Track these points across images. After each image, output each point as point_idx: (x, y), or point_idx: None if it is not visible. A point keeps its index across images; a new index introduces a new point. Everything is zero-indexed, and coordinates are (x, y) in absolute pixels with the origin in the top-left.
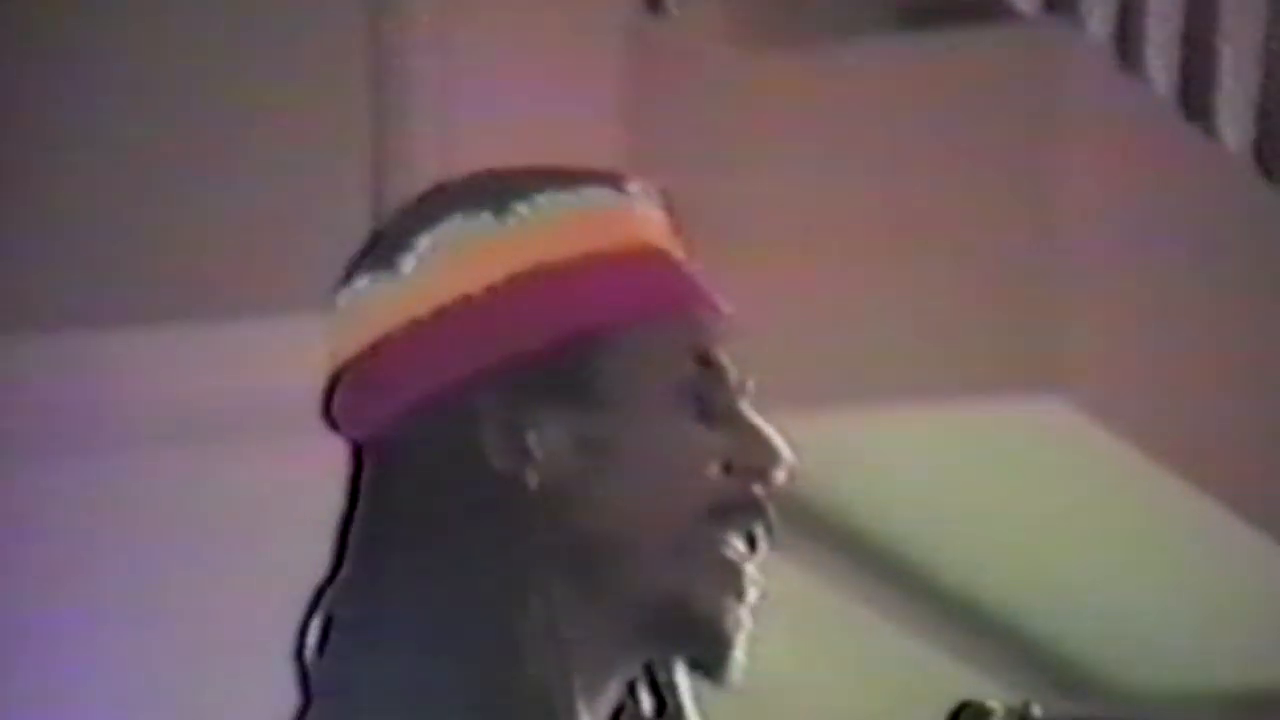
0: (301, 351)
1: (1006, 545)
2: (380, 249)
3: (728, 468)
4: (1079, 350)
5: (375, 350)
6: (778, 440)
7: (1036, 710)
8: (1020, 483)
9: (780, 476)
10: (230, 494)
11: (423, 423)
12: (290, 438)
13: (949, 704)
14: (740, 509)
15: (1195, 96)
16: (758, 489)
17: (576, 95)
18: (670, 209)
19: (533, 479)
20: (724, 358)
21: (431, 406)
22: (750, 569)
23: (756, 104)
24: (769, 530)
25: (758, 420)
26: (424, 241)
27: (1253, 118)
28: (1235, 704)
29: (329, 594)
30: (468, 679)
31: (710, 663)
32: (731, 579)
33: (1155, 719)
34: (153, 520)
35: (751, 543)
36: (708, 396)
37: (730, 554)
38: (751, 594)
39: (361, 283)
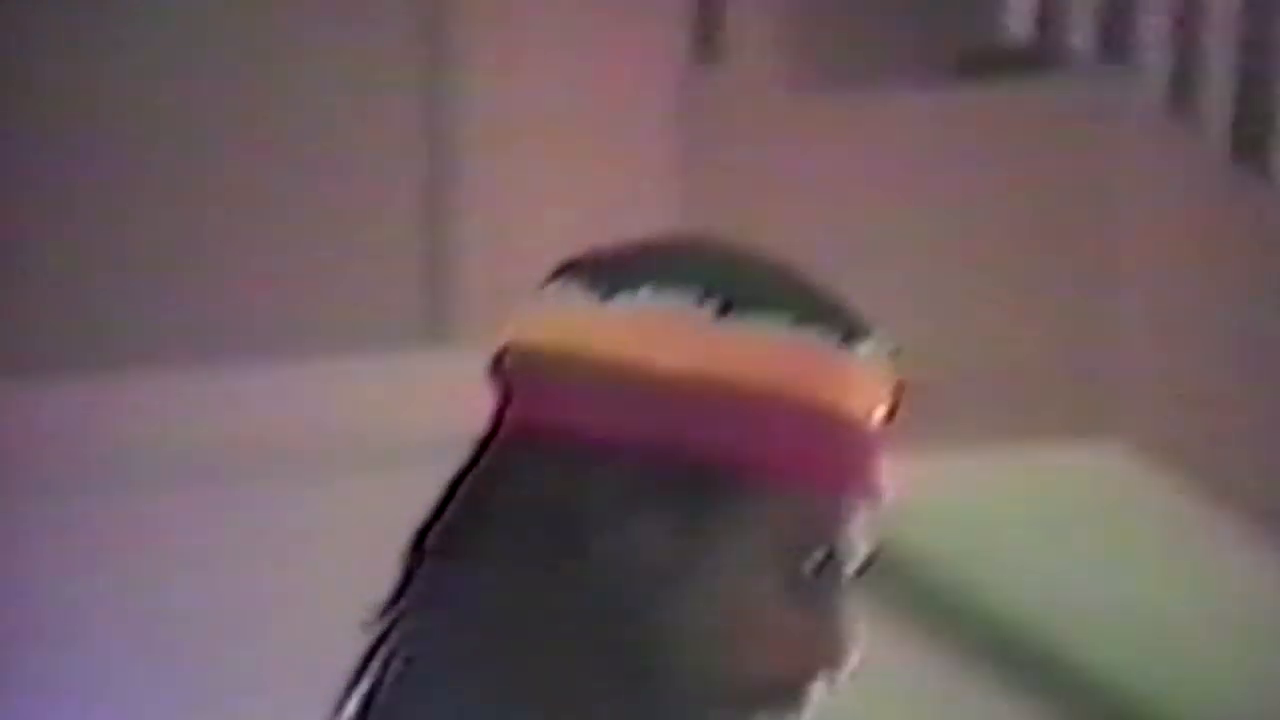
0: (341, 393)
1: (1066, 591)
2: (602, 271)
3: (797, 654)
4: (1139, 398)
5: (563, 357)
6: (854, 639)
7: None
8: (1080, 530)
9: (842, 679)
10: (270, 531)
11: (557, 459)
12: (323, 479)
13: None
14: (784, 699)
15: (1250, 139)
16: (812, 683)
17: (631, 141)
18: (892, 378)
19: (616, 560)
20: (849, 548)
21: (575, 446)
22: None
23: (812, 149)
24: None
25: (849, 614)
26: (645, 294)
27: None
28: None
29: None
30: None
31: None
32: None
33: None
34: (189, 556)
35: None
36: (809, 584)
37: None
38: None
39: (574, 287)
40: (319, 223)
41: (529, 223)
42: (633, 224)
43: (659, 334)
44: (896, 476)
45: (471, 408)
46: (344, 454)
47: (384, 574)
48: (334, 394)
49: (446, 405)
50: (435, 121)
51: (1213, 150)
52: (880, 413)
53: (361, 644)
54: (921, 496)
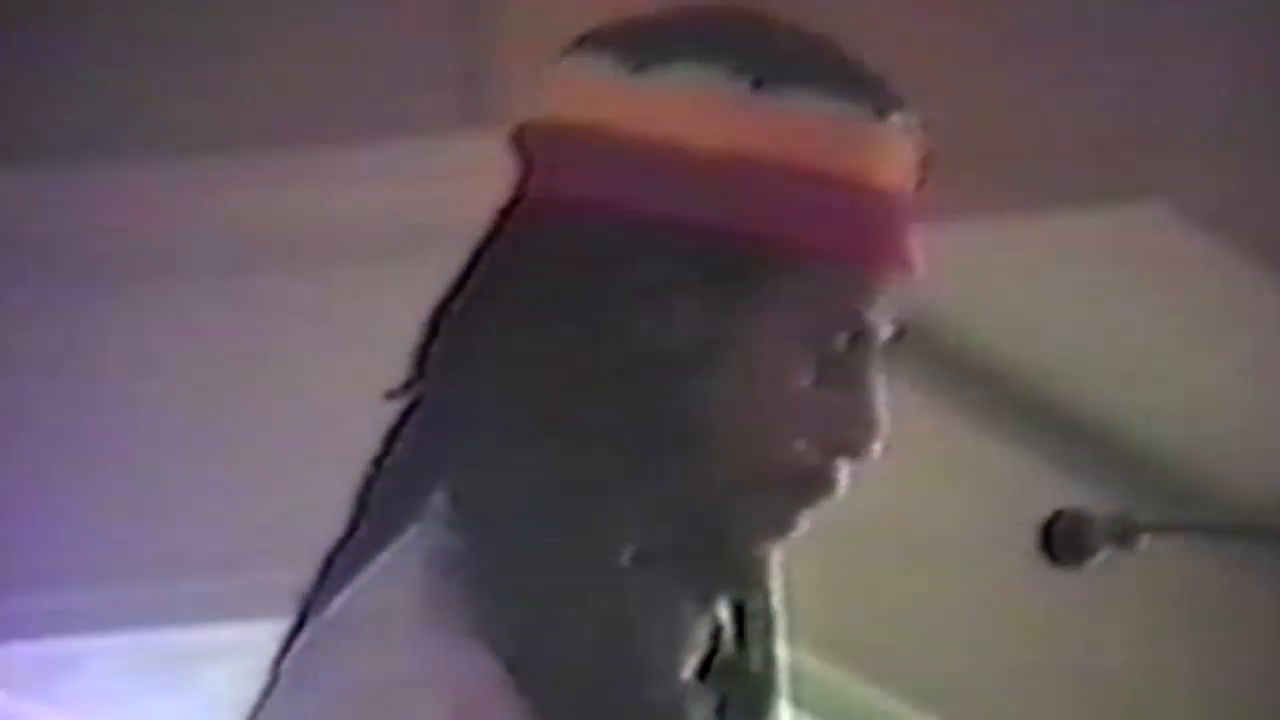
0: (378, 177)
1: (1108, 353)
2: (634, 42)
3: (826, 433)
4: (1177, 157)
5: (589, 130)
6: (882, 417)
7: (1137, 517)
8: (1122, 291)
9: (873, 454)
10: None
11: (586, 230)
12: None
13: (1048, 512)
14: (814, 482)
15: None
16: (839, 467)
17: None
18: (923, 148)
19: (655, 341)
20: (881, 319)
21: (606, 219)
22: (797, 525)
23: None
24: (831, 500)
25: (877, 391)
26: (678, 67)
27: None
28: None
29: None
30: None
31: (735, 593)
32: (775, 533)
33: (1261, 524)
34: (221, 343)
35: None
36: (840, 360)
37: (785, 513)
38: (794, 536)
39: (604, 59)
40: (353, 6)
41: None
42: None
43: (692, 110)
44: (930, 247)
45: (508, 190)
46: (381, 237)
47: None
48: (371, 178)
49: (484, 187)
50: None
51: None
52: (911, 184)
53: (389, 415)
54: (960, 261)
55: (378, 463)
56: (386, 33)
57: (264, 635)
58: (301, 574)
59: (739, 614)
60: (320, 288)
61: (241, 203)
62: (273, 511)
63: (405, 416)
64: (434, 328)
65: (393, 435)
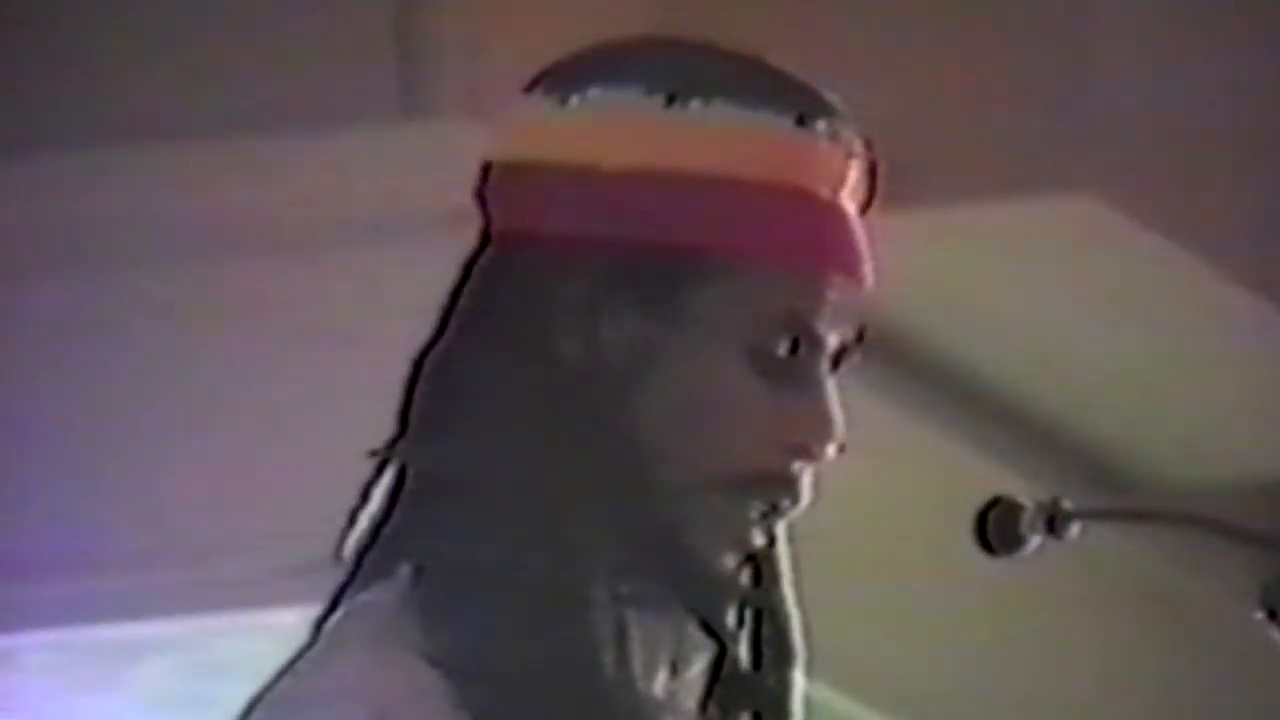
0: (317, 167)
1: (1041, 342)
2: (555, 78)
3: (777, 436)
4: (1109, 151)
5: (525, 168)
6: (837, 418)
7: (1067, 504)
8: (1052, 281)
9: (828, 455)
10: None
11: (521, 262)
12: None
13: (983, 501)
14: (770, 483)
15: None
16: (796, 466)
17: None
18: (864, 158)
19: (587, 361)
20: (828, 326)
21: (537, 250)
22: (759, 532)
23: None
24: (794, 505)
25: (828, 394)
26: (594, 93)
27: None
28: (1276, 495)
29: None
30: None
31: (699, 609)
32: (736, 541)
33: (1188, 511)
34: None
35: (774, 508)
36: (786, 364)
37: (744, 517)
38: (756, 546)
39: (538, 95)
40: None
41: None
42: None
43: (606, 133)
44: (874, 249)
45: (450, 179)
46: (323, 228)
47: (360, 347)
48: (310, 168)
49: (424, 177)
50: None
51: None
52: (849, 191)
53: (338, 413)
54: (892, 254)
55: (353, 515)
56: (325, 22)
57: (196, 631)
58: (236, 570)
59: (755, 636)
60: (256, 278)
61: (187, 192)
62: (208, 507)
63: (380, 469)
64: (413, 381)
65: (368, 487)
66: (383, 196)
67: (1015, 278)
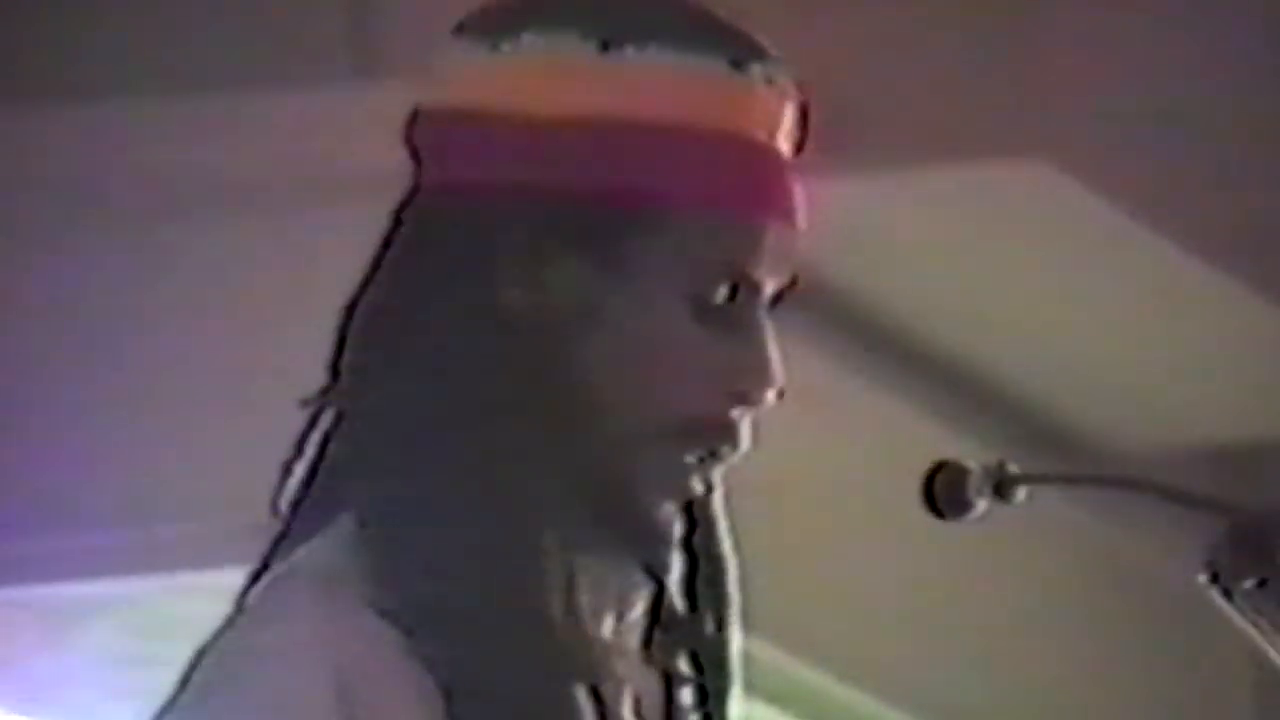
0: (267, 129)
1: (990, 306)
2: (490, 20)
3: (717, 383)
4: (1062, 115)
5: (460, 114)
6: (776, 365)
7: (1013, 468)
8: (1003, 245)
9: (768, 401)
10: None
11: (460, 212)
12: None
13: (930, 463)
14: (710, 430)
15: None
16: (736, 412)
17: None
18: (796, 100)
19: (529, 310)
20: (766, 272)
21: (476, 198)
22: (699, 479)
23: None
24: (734, 451)
25: (767, 341)
26: (528, 39)
27: None
28: (1219, 459)
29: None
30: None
31: (642, 554)
32: (678, 488)
33: (1134, 475)
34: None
35: (714, 454)
36: (724, 311)
37: (685, 464)
38: (697, 493)
39: (467, 40)
40: None
41: None
42: None
43: (541, 80)
44: (814, 199)
45: (399, 143)
46: (274, 187)
47: (311, 307)
48: (261, 128)
49: (376, 136)
50: None
51: None
52: (784, 134)
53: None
54: (847, 214)
55: (287, 466)
56: None
57: (145, 591)
58: (185, 530)
59: (690, 580)
60: (210, 238)
61: (136, 152)
62: (158, 464)
63: (314, 420)
64: (344, 330)
65: (303, 439)
66: (335, 156)
67: (968, 241)
